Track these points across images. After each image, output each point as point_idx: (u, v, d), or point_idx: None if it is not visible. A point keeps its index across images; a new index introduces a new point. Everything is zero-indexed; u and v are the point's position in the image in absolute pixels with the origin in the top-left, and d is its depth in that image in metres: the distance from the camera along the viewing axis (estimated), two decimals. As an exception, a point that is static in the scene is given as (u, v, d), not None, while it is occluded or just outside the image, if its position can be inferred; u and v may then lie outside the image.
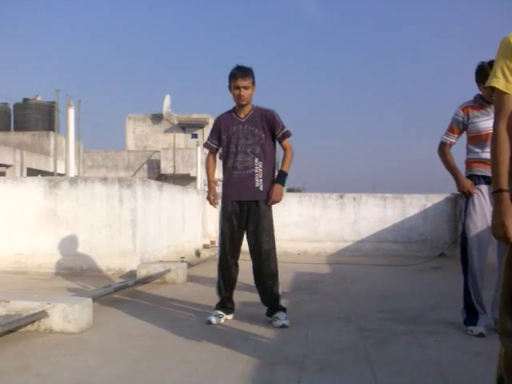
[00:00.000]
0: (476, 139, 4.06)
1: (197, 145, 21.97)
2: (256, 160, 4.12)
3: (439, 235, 11.02)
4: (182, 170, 24.76)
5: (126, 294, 5.52)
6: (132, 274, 6.87)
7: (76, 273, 7.24)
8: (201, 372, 3.00)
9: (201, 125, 27.88)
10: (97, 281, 6.44)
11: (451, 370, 3.09)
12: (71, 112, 16.40)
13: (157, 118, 28.48)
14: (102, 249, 7.40)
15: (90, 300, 4.20)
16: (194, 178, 22.89)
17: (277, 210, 12.42)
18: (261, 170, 4.13)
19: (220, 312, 4.26)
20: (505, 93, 1.98)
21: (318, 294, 5.83)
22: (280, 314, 4.16)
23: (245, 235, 4.25)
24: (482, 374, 3.01)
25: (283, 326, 4.05)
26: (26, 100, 23.58)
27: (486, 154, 3.87)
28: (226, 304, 4.32)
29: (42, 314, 3.85)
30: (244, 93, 4.10)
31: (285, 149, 4.29)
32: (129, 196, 7.44)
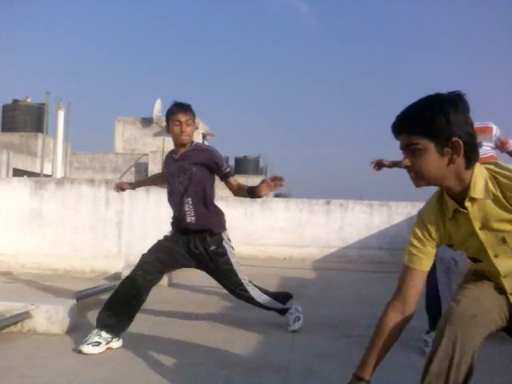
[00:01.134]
0: None
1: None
2: (185, 198, 3.75)
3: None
4: (169, 173, 24.72)
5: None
6: (117, 276, 6.83)
7: (60, 274, 7.19)
8: (186, 376, 2.99)
9: (190, 129, 27.86)
10: (81, 282, 6.40)
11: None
12: (61, 114, 16.35)
13: (146, 121, 28.37)
14: (86, 250, 7.36)
15: (75, 301, 4.17)
16: (181, 182, 22.86)
17: (264, 215, 12.34)
18: (191, 207, 3.76)
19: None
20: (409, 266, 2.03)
21: (303, 299, 5.83)
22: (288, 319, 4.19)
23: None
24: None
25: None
26: (15, 101, 23.42)
27: None
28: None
29: (26, 315, 3.81)
30: (185, 129, 3.69)
31: (237, 185, 3.83)
32: (115, 198, 7.41)
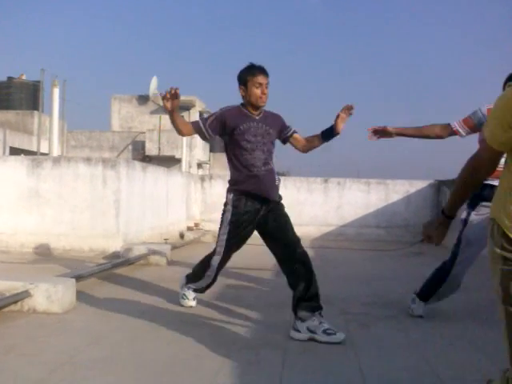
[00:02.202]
0: None
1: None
2: (269, 159, 3.73)
3: (422, 221, 11.07)
4: (166, 152, 24.61)
5: (110, 275, 5.51)
6: (115, 255, 6.86)
7: (59, 253, 7.21)
8: (185, 354, 3.01)
9: (187, 107, 27.66)
10: (80, 261, 6.42)
11: (433, 353, 3.14)
12: (56, 92, 16.19)
13: (143, 99, 28.20)
14: (84, 229, 7.37)
15: (74, 280, 4.19)
16: (178, 160, 22.76)
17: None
18: (274, 167, 3.78)
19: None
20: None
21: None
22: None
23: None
24: (464, 358, 3.07)
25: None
26: (10, 78, 23.22)
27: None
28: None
29: (25, 294, 3.83)
30: (266, 92, 3.66)
31: (305, 138, 3.88)
32: (112, 177, 7.40)
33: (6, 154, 18.19)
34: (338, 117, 3.62)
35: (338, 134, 3.66)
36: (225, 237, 3.70)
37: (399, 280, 5.96)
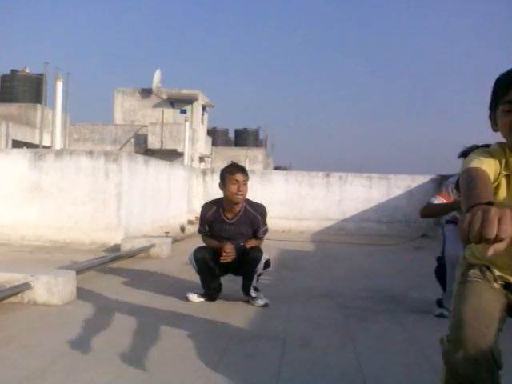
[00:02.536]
0: None
1: (185, 120, 21.82)
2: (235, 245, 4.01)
3: (423, 216, 11.11)
4: (169, 146, 24.61)
5: (110, 267, 5.53)
6: (116, 248, 6.88)
7: (60, 246, 7.23)
8: (185, 346, 3.03)
9: (190, 100, 27.64)
10: (81, 254, 6.44)
11: (432, 348, 3.14)
12: (59, 85, 16.19)
13: (146, 92, 28.19)
14: (86, 222, 7.39)
15: (74, 273, 4.20)
16: (181, 154, 22.75)
17: (263, 188, 12.35)
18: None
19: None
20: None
21: (301, 272, 5.88)
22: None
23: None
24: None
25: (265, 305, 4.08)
26: (13, 71, 23.24)
27: None
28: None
29: (26, 286, 3.85)
30: (242, 188, 3.96)
31: (259, 240, 4.23)
32: (114, 170, 7.41)
33: (8, 146, 18.21)
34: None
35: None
36: None
37: (399, 275, 5.97)
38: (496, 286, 1.82)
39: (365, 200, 11.39)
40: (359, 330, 3.51)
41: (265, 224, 4.22)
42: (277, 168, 36.55)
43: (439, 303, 4.06)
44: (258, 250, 4.04)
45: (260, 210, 4.17)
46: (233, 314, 3.82)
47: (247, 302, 4.16)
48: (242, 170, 4.02)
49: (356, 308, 4.15)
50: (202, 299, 4.19)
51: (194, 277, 4.79)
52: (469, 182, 1.65)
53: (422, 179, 11.35)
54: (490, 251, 1.26)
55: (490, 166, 1.68)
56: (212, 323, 3.54)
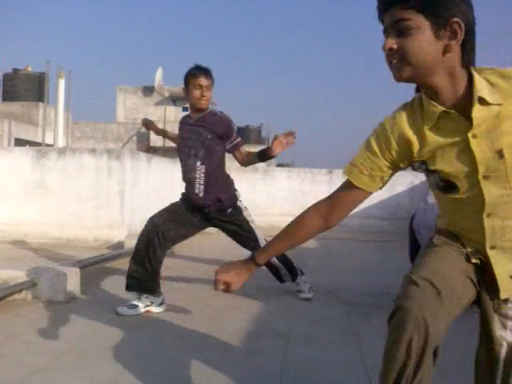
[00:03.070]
0: None
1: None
2: (198, 163, 3.67)
3: (426, 212, 11.11)
4: (171, 143, 24.64)
5: (114, 265, 5.54)
6: (119, 245, 6.89)
7: (63, 243, 7.24)
8: (188, 343, 3.03)
9: (191, 98, 27.68)
10: (84, 251, 6.44)
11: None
12: (61, 83, 16.24)
13: (148, 90, 28.21)
14: (89, 220, 7.40)
15: (78, 270, 4.21)
16: (183, 151, 22.81)
17: (266, 185, 12.32)
18: (202, 174, 3.67)
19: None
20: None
21: (304, 268, 5.86)
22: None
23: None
24: (467, 349, 3.07)
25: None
26: (16, 70, 23.28)
27: None
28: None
29: (30, 283, 3.86)
30: (206, 93, 3.63)
31: (246, 153, 3.77)
32: (117, 168, 7.41)
33: (11, 145, 18.25)
34: (276, 138, 3.49)
35: (273, 156, 3.57)
36: None
37: (401, 271, 5.94)
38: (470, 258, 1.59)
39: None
40: (363, 327, 3.51)
41: (235, 133, 3.73)
42: (280, 165, 36.54)
43: None
44: (252, 238, 3.85)
45: (226, 115, 3.78)
46: (237, 309, 3.83)
47: (250, 297, 4.15)
48: (206, 73, 3.66)
49: (359, 304, 4.15)
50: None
51: (198, 274, 4.82)
52: (290, 224, 1.80)
53: (424, 176, 11.33)
54: None
55: (373, 169, 1.61)
56: (215, 319, 3.54)
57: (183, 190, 3.84)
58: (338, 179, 11.50)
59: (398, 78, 1.48)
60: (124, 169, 7.43)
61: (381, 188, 1.69)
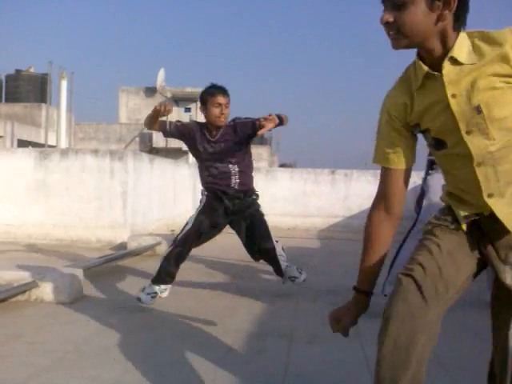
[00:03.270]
0: None
1: (190, 119, 21.89)
2: (230, 166, 3.85)
3: (429, 212, 11.08)
4: (173, 144, 24.60)
5: (116, 266, 5.54)
6: (122, 246, 6.89)
7: (66, 244, 7.25)
8: (191, 343, 3.03)
9: (194, 98, 27.59)
10: (87, 252, 6.46)
11: (439, 343, 3.13)
12: (64, 84, 16.27)
13: (150, 91, 28.21)
14: (92, 220, 7.40)
15: (81, 271, 4.22)
16: (185, 152, 22.77)
17: (268, 185, 12.33)
18: (237, 173, 3.85)
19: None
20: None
21: (307, 268, 5.86)
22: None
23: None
24: (469, 348, 3.07)
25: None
26: (18, 71, 23.33)
27: None
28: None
29: (33, 285, 3.86)
30: (225, 111, 3.75)
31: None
32: (120, 168, 7.42)
33: (13, 146, 18.28)
34: (259, 120, 3.61)
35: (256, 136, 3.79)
36: None
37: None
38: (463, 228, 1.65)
39: (370, 197, 11.17)
40: (366, 326, 3.48)
41: (249, 124, 3.83)
42: (282, 165, 36.51)
43: None
44: (267, 240, 3.87)
45: (239, 122, 3.87)
46: (239, 310, 3.83)
47: (253, 298, 4.15)
48: (224, 92, 3.78)
49: (362, 304, 4.14)
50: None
51: (200, 275, 4.82)
52: (365, 242, 1.89)
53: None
54: None
55: (396, 145, 1.68)
56: (218, 319, 3.54)
57: (202, 189, 3.99)
58: (340, 179, 11.50)
59: (396, 47, 1.56)
60: (126, 170, 7.43)
61: (414, 161, 1.75)
